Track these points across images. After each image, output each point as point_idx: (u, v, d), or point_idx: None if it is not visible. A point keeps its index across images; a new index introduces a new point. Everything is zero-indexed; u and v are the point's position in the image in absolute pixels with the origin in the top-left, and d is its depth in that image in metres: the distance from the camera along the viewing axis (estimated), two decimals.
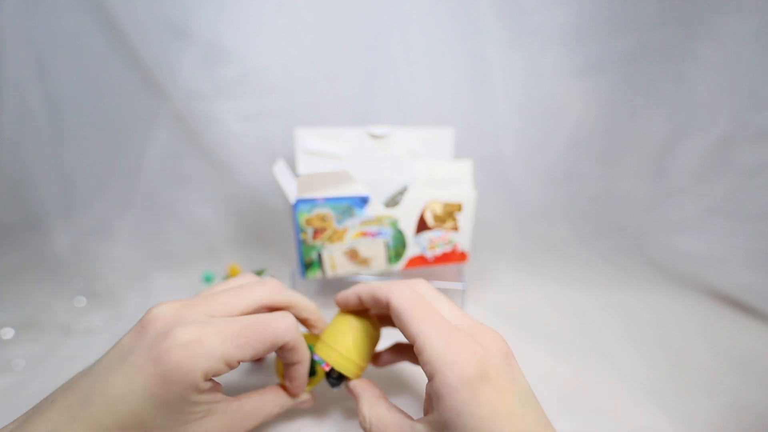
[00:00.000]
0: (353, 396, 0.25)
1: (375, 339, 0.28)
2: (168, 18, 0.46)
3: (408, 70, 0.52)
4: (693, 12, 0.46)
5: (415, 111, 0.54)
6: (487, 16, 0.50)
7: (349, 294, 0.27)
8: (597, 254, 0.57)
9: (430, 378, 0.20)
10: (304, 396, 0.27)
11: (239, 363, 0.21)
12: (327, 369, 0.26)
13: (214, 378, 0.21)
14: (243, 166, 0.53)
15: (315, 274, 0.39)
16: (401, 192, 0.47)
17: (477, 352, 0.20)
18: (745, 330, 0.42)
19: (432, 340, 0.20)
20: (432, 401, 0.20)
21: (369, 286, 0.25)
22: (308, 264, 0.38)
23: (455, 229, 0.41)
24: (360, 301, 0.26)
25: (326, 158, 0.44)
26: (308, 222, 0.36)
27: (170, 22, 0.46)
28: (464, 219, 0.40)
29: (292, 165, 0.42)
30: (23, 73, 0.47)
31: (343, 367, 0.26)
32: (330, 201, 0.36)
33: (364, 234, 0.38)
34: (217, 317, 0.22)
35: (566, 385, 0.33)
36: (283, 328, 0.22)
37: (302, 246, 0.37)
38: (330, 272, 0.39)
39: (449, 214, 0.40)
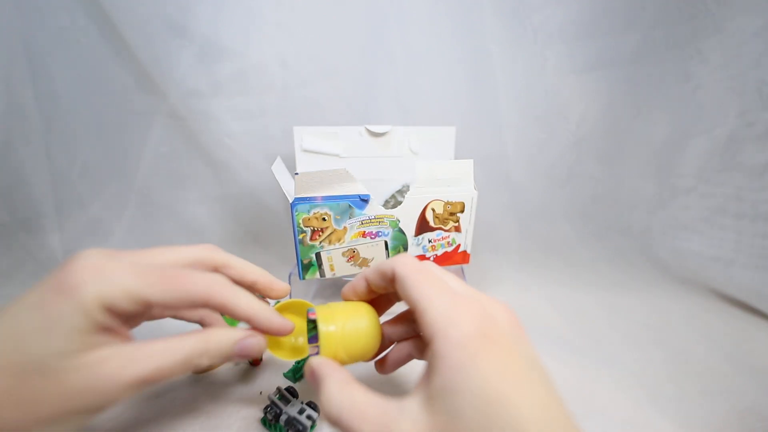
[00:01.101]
0: (313, 378, 0.21)
1: (373, 333, 0.25)
2: (164, 14, 0.45)
3: (408, 69, 0.51)
4: (698, 9, 0.45)
5: (416, 110, 0.53)
6: (488, 14, 0.50)
7: (356, 280, 0.26)
8: (599, 255, 0.56)
9: (430, 341, 0.19)
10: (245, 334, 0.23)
11: (149, 306, 0.19)
12: (312, 317, 0.24)
13: (118, 314, 0.19)
14: (241, 165, 0.52)
15: (314, 275, 0.38)
16: (402, 191, 0.46)
17: (481, 313, 0.19)
18: (750, 332, 0.42)
19: (433, 301, 0.20)
20: (429, 371, 0.19)
21: (375, 265, 0.24)
22: (307, 265, 0.37)
23: (457, 229, 0.40)
24: (368, 285, 0.25)
25: (325, 157, 0.43)
26: (306, 222, 0.36)
27: (167, 18, 0.45)
28: (466, 219, 0.40)
29: (291, 164, 0.42)
30: (15, 70, 0.46)
31: (327, 336, 0.23)
32: (329, 200, 0.35)
33: (364, 234, 0.37)
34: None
35: (567, 387, 0.32)
36: (204, 281, 0.21)
37: (300, 246, 0.36)
38: (329, 273, 0.38)
39: (450, 214, 0.39)
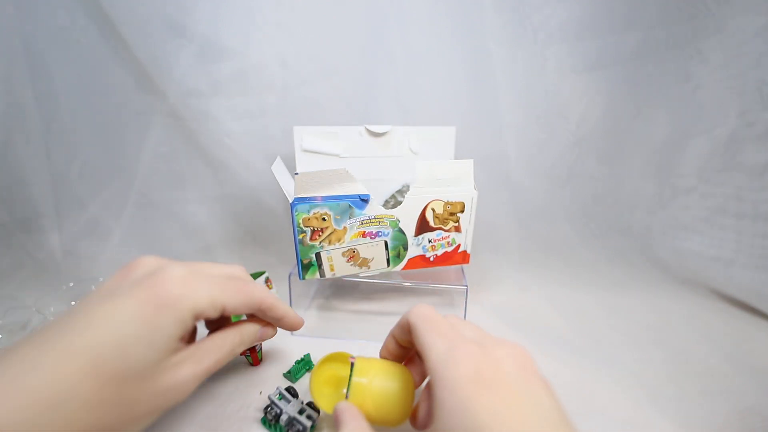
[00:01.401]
0: (335, 422, 0.23)
1: (402, 396, 0.24)
2: (164, 13, 0.45)
3: (408, 68, 0.51)
4: (699, 9, 0.45)
5: (416, 109, 0.53)
6: (489, 13, 0.49)
7: (387, 338, 0.27)
8: (600, 255, 0.56)
9: (433, 386, 0.19)
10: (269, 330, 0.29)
11: (225, 312, 0.23)
12: (352, 360, 0.26)
13: (200, 319, 0.22)
14: (240, 165, 0.52)
15: (314, 275, 0.38)
16: (402, 191, 0.46)
17: (478, 356, 0.19)
18: (751, 332, 0.42)
19: (434, 344, 0.20)
20: (432, 415, 0.19)
21: (397, 324, 0.25)
22: (307, 265, 0.37)
23: (457, 229, 0.40)
24: (395, 341, 0.26)
25: (325, 157, 0.43)
26: (306, 222, 0.35)
27: (166, 17, 0.45)
28: (466, 219, 0.40)
29: (291, 164, 0.42)
30: (14, 69, 0.46)
31: (357, 386, 0.24)
32: (329, 200, 0.35)
33: (364, 234, 0.37)
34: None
35: (568, 388, 0.32)
36: (260, 288, 0.26)
37: (300, 246, 0.36)
38: (329, 273, 0.38)
39: (450, 214, 0.39)
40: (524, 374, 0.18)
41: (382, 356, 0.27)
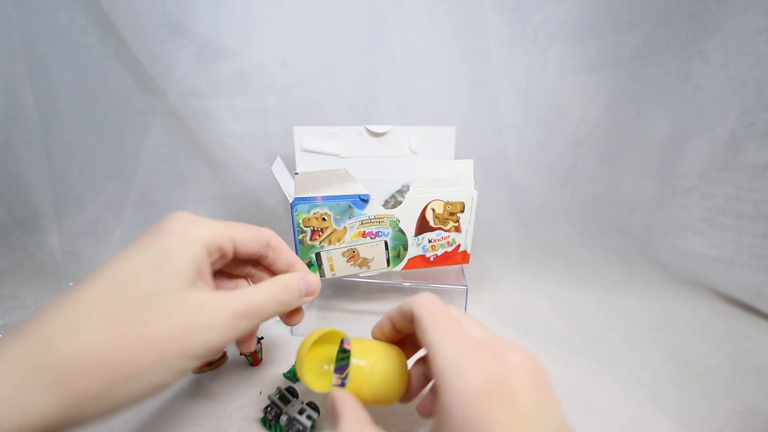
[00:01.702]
0: (333, 412, 0.22)
1: (400, 378, 0.24)
2: (164, 13, 0.45)
3: (408, 68, 0.51)
4: (699, 9, 0.45)
5: (416, 109, 0.53)
6: (489, 13, 0.49)
7: (382, 319, 0.26)
8: (600, 255, 0.56)
9: (438, 391, 0.18)
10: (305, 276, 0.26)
11: (236, 245, 0.23)
12: (347, 347, 0.25)
13: (216, 255, 0.22)
14: (240, 165, 0.52)
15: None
16: (402, 191, 0.46)
17: (493, 364, 0.18)
18: (751, 332, 0.41)
19: (443, 347, 0.19)
20: (437, 423, 0.18)
21: (399, 305, 0.24)
22: (307, 265, 0.37)
23: (457, 229, 0.40)
24: (393, 325, 0.25)
25: (325, 157, 0.43)
26: (306, 222, 0.35)
27: (166, 17, 0.45)
28: (466, 219, 0.40)
29: (290, 164, 0.42)
30: (14, 69, 0.46)
31: (356, 369, 0.24)
32: (329, 200, 0.35)
33: (364, 234, 0.37)
34: None
35: (568, 388, 0.32)
36: (266, 229, 0.25)
37: (300, 246, 0.36)
38: (329, 273, 0.38)
39: (450, 214, 0.39)
40: (537, 388, 0.18)
41: (375, 336, 0.27)
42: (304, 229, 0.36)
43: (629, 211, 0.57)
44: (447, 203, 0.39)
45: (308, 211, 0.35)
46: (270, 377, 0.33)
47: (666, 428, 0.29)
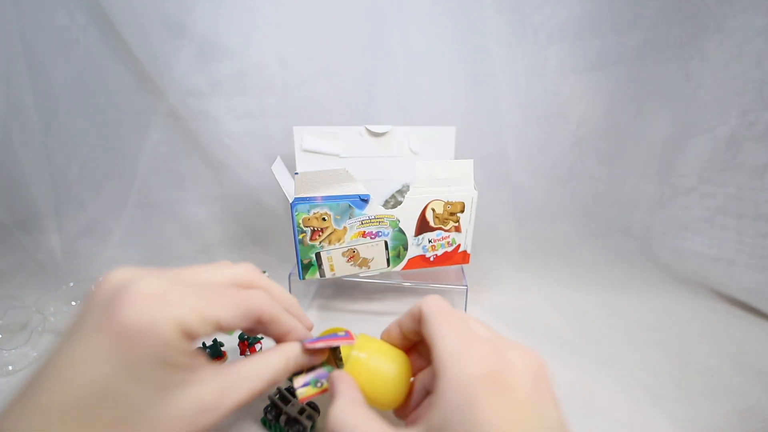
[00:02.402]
0: (331, 389, 0.22)
1: (398, 378, 0.24)
2: (163, 13, 0.45)
3: (409, 68, 0.51)
4: (699, 9, 0.45)
5: (416, 109, 0.53)
6: (489, 13, 0.49)
7: (391, 325, 0.25)
8: (600, 255, 0.56)
9: (437, 378, 0.18)
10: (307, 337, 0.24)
11: (219, 327, 0.19)
12: (347, 339, 0.24)
13: (193, 339, 0.18)
14: (240, 165, 0.52)
15: (314, 275, 0.38)
16: (402, 191, 0.46)
17: (493, 355, 0.18)
18: (751, 332, 0.41)
19: (445, 337, 0.19)
20: (431, 406, 0.18)
21: (407, 313, 0.24)
22: (307, 265, 0.37)
23: (457, 229, 0.40)
24: (401, 330, 0.24)
25: (325, 157, 0.43)
26: (306, 222, 0.35)
27: (166, 17, 0.45)
28: (466, 219, 0.40)
29: (290, 164, 0.42)
30: (14, 69, 0.46)
31: (355, 360, 0.23)
32: (329, 200, 0.35)
33: (364, 234, 0.37)
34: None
35: (568, 388, 0.32)
36: (257, 296, 0.21)
37: (300, 246, 0.36)
38: (329, 273, 0.38)
39: (450, 214, 0.39)
40: (536, 383, 0.18)
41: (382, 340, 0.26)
42: (304, 229, 0.36)
43: (629, 211, 0.57)
44: (447, 203, 0.39)
45: (308, 211, 0.35)
46: None
47: (666, 428, 0.29)
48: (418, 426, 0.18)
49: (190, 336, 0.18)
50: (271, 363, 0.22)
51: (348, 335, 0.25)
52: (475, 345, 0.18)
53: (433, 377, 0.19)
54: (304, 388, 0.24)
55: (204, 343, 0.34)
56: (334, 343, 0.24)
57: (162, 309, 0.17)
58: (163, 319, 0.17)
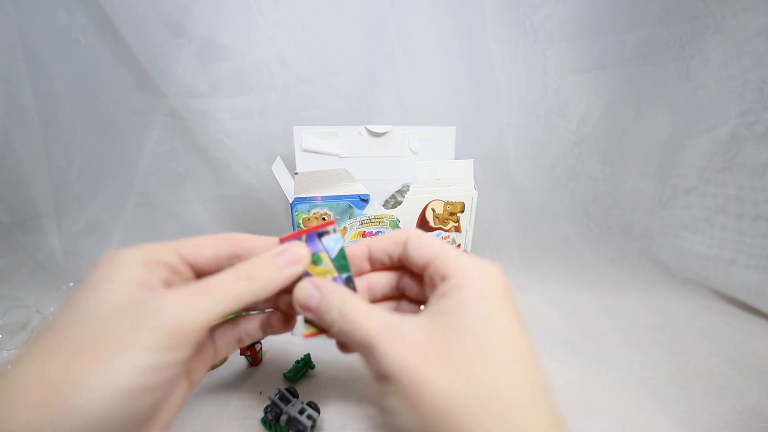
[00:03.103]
0: (318, 292, 0.20)
1: None
2: (163, 12, 0.45)
3: (409, 67, 0.51)
4: (699, 8, 0.45)
5: (416, 109, 0.53)
6: (489, 12, 0.49)
7: (357, 245, 0.23)
8: (601, 255, 0.56)
9: (445, 279, 0.19)
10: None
11: (190, 262, 0.20)
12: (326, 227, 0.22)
13: (161, 266, 0.19)
14: (240, 164, 0.52)
15: None
16: (402, 191, 0.46)
17: (494, 265, 0.20)
18: (752, 332, 0.41)
19: (455, 253, 0.20)
20: (437, 299, 0.19)
21: (384, 236, 0.23)
22: None
23: (457, 229, 0.40)
24: (368, 253, 0.23)
25: (325, 157, 0.43)
26: (306, 222, 0.35)
27: (165, 17, 0.45)
28: (466, 219, 0.40)
29: (290, 164, 0.42)
30: (14, 69, 0.46)
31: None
32: (329, 200, 0.35)
33: (364, 234, 0.37)
34: None
35: (569, 388, 0.32)
36: (220, 234, 0.22)
37: None
38: None
39: (450, 214, 0.39)
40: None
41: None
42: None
43: (629, 210, 0.57)
44: (447, 203, 0.39)
45: (308, 211, 0.35)
46: (270, 377, 0.33)
47: (666, 428, 0.29)
48: (421, 314, 0.18)
49: (152, 266, 0.18)
50: (229, 273, 0.19)
51: (327, 222, 0.23)
52: (473, 256, 0.20)
53: (435, 267, 0.20)
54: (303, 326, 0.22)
55: None
56: (313, 232, 0.22)
57: (121, 252, 0.18)
58: (121, 255, 0.18)
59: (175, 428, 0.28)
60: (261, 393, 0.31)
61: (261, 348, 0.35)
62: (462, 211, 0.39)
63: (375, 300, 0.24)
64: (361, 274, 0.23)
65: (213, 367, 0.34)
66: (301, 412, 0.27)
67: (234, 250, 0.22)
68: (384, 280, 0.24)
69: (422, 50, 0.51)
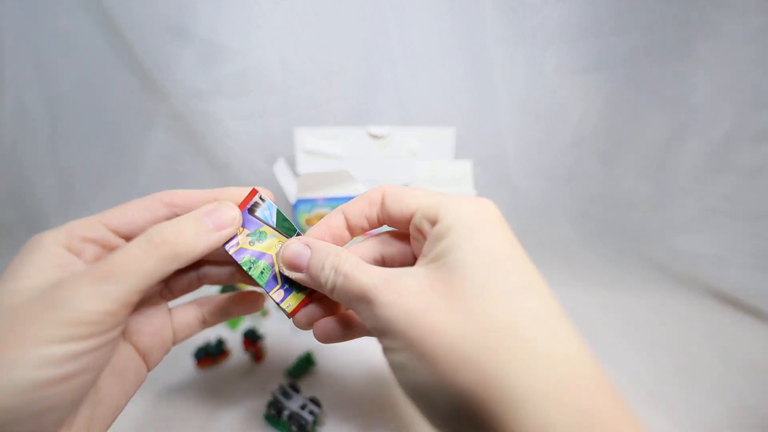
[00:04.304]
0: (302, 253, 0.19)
1: None
2: (166, 16, 0.45)
3: (409, 69, 0.52)
4: (695, 11, 0.46)
5: (416, 109, 0.53)
6: (489, 14, 0.50)
7: (332, 213, 0.22)
8: (598, 254, 0.56)
9: (435, 221, 0.17)
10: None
11: (120, 230, 0.19)
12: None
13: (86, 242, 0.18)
14: (242, 165, 0.53)
15: None
16: None
17: (479, 199, 0.18)
18: (748, 331, 0.42)
19: (438, 195, 0.18)
20: (431, 243, 0.17)
21: (357, 198, 0.21)
22: None
23: None
24: (345, 220, 0.21)
25: (326, 158, 0.43)
26: (308, 222, 0.36)
27: (168, 20, 0.45)
28: None
29: (291, 164, 0.42)
30: (21, 72, 0.46)
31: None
32: (330, 201, 0.36)
33: (365, 234, 0.38)
34: None
35: None
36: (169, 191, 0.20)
37: None
38: None
39: None
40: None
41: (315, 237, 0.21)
42: (306, 229, 0.36)
43: (627, 210, 0.57)
44: None
45: (309, 212, 0.35)
46: (272, 373, 0.34)
47: (664, 426, 0.29)
48: (416, 264, 0.17)
49: (75, 244, 0.17)
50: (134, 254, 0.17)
51: (249, 194, 0.20)
52: (460, 195, 0.18)
53: (424, 214, 0.18)
54: (285, 300, 0.20)
55: (208, 344, 0.34)
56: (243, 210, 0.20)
57: (43, 234, 0.17)
58: (40, 238, 0.17)
59: (178, 424, 0.28)
60: (263, 388, 0.31)
61: (264, 344, 0.36)
62: None
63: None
64: (343, 243, 0.22)
65: (216, 363, 0.34)
66: (303, 407, 0.28)
67: (171, 211, 0.20)
68: (363, 250, 0.22)
69: (422, 50, 0.51)
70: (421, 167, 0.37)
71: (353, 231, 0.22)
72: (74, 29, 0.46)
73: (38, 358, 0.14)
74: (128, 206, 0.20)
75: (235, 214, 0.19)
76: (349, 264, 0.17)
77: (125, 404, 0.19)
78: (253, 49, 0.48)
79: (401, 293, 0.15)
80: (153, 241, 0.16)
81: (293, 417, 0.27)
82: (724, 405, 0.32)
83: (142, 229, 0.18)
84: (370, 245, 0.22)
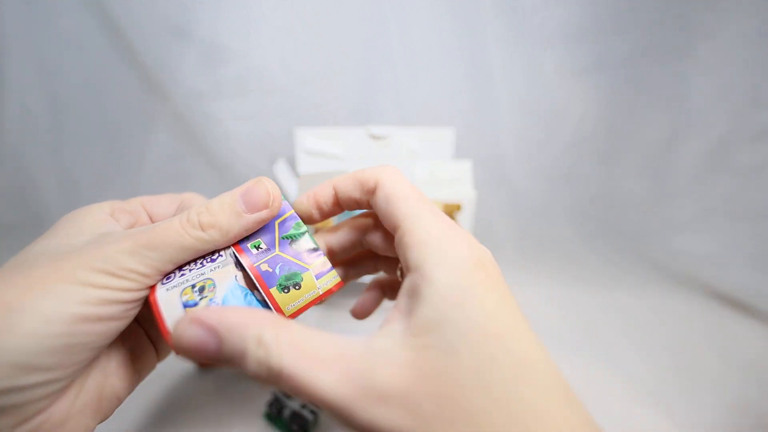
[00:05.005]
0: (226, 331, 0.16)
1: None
2: (167, 17, 0.45)
3: (408, 69, 0.52)
4: (693, 12, 0.46)
5: (416, 110, 0.53)
6: (488, 15, 0.50)
7: (321, 186, 0.20)
8: (598, 254, 0.56)
9: (416, 266, 0.15)
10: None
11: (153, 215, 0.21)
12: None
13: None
14: (243, 165, 0.53)
15: None
16: None
17: (475, 241, 0.16)
18: (746, 330, 0.42)
19: (426, 218, 0.16)
20: (411, 302, 0.15)
21: (349, 174, 0.20)
22: None
23: None
24: (335, 196, 0.20)
25: (326, 158, 0.44)
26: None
27: (169, 22, 0.45)
28: (464, 219, 0.40)
29: (292, 164, 0.42)
30: (25, 73, 0.47)
31: None
32: None
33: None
34: None
35: None
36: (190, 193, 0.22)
37: None
38: None
39: (449, 215, 0.40)
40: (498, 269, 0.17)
41: (300, 207, 0.21)
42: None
43: (625, 210, 0.57)
44: (446, 204, 0.39)
45: None
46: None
47: (663, 425, 0.29)
48: (391, 329, 0.14)
49: (122, 211, 0.20)
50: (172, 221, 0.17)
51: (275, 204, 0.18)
52: (458, 230, 0.16)
53: (403, 237, 0.16)
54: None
55: None
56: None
57: (95, 204, 0.20)
58: (94, 205, 0.20)
59: (180, 422, 0.28)
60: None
61: None
62: (461, 212, 0.40)
63: (333, 257, 0.21)
64: (328, 217, 0.21)
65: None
66: (304, 406, 0.28)
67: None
68: (338, 239, 0.21)
69: (422, 51, 0.51)
70: (421, 167, 0.37)
71: (343, 206, 0.21)
72: (76, 30, 0.46)
73: (81, 296, 0.15)
74: (158, 197, 0.22)
75: (277, 193, 0.18)
76: (287, 357, 0.14)
77: (134, 386, 0.19)
78: (254, 49, 0.48)
79: (388, 402, 0.12)
80: (192, 220, 0.17)
81: (294, 416, 0.27)
82: (723, 404, 0.32)
83: (164, 216, 0.21)
84: (346, 233, 0.22)
